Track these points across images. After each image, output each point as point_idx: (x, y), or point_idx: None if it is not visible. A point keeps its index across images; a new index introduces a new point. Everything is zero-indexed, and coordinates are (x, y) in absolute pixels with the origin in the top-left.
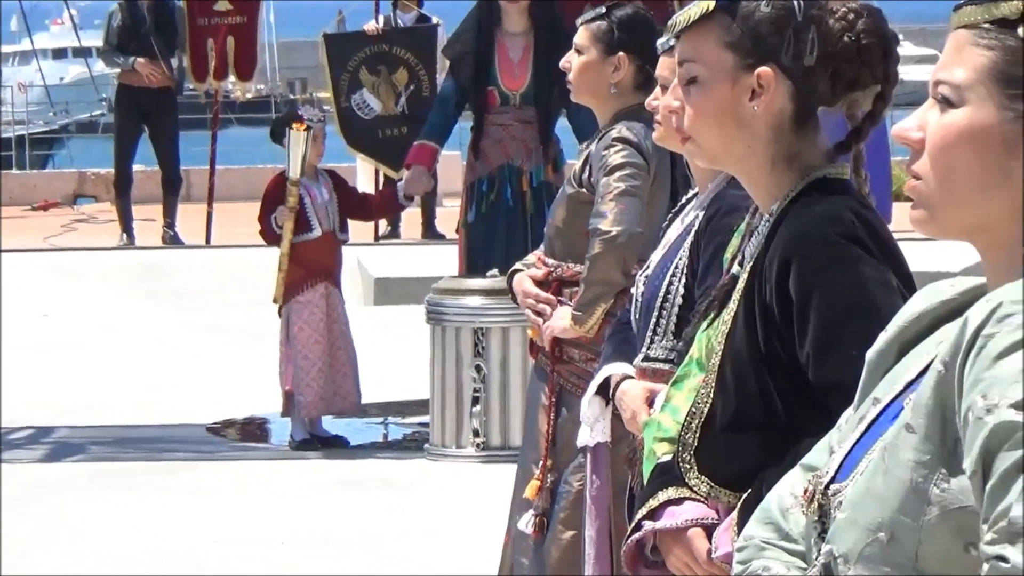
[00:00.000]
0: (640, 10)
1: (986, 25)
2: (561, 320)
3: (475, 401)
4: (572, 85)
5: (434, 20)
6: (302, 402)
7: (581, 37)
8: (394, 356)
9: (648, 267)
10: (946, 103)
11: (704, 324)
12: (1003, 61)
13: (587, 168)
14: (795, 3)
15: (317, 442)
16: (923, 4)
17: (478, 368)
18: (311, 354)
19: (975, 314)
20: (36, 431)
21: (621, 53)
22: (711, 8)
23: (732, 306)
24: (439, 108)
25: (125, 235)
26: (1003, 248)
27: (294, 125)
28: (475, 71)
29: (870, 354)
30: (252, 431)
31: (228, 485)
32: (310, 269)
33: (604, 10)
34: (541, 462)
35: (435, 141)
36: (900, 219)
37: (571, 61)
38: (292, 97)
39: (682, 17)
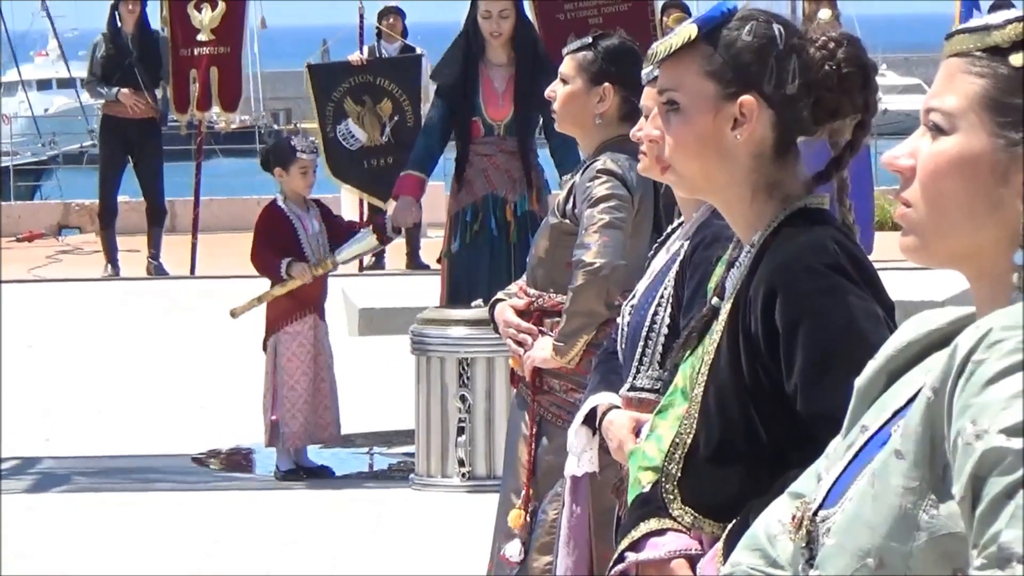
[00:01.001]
0: (626, 41)
1: (978, 53)
2: (542, 350)
3: (460, 431)
4: (557, 115)
5: (418, 51)
6: (287, 432)
7: (567, 67)
8: (379, 386)
9: (634, 296)
10: (937, 131)
11: (687, 354)
12: (995, 89)
13: (571, 199)
14: (776, 32)
15: (302, 472)
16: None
17: (463, 398)
18: (298, 385)
19: (965, 340)
20: (21, 462)
21: (606, 84)
22: (693, 37)
23: (715, 337)
24: (424, 138)
25: (110, 266)
26: (992, 276)
27: (375, 233)
28: (459, 101)
29: (858, 382)
30: (237, 461)
31: (214, 515)
32: (300, 301)
33: (590, 40)
34: (523, 492)
35: (421, 171)
36: (883, 249)
37: (556, 91)
38: (276, 127)
39: (663, 46)
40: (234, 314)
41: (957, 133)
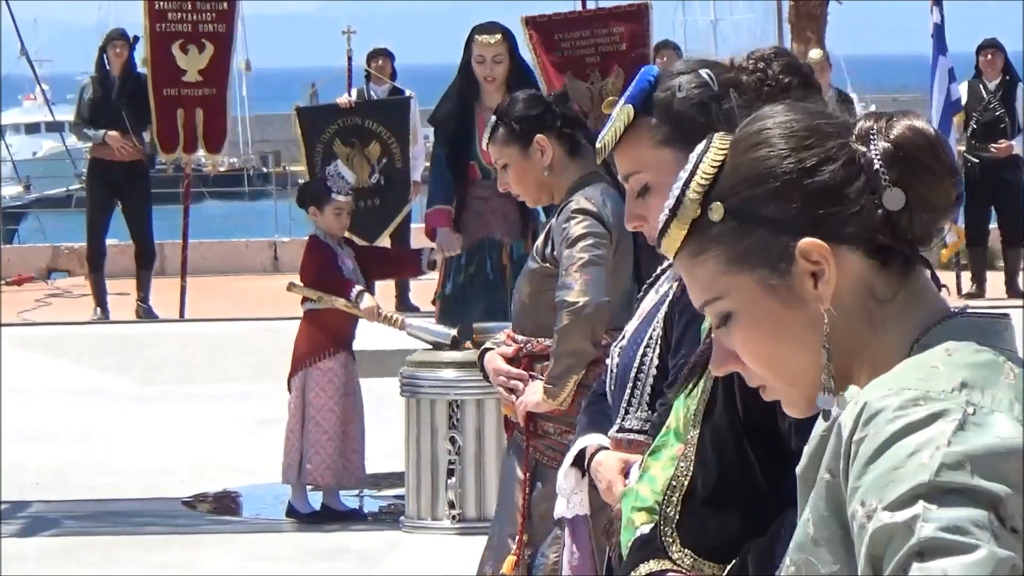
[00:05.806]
0: (527, 91)
1: (690, 239)
2: (534, 394)
3: (450, 473)
4: (522, 198)
5: (407, 93)
6: (309, 469)
7: (496, 154)
8: (369, 428)
9: (623, 337)
10: (722, 320)
11: (679, 394)
12: (723, 253)
13: (549, 242)
14: (706, 77)
15: (329, 514)
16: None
17: (453, 440)
18: (324, 421)
19: (846, 419)
20: (11, 506)
21: (536, 136)
22: (632, 116)
23: (709, 378)
24: (438, 171)
25: (99, 309)
26: (870, 368)
27: (459, 339)
28: (456, 146)
29: (798, 469)
30: (227, 504)
31: (203, 559)
32: (332, 336)
33: (494, 120)
34: (517, 536)
35: (446, 203)
36: None
37: (506, 182)
38: (265, 170)
39: (608, 136)
40: (290, 288)
41: (734, 310)
